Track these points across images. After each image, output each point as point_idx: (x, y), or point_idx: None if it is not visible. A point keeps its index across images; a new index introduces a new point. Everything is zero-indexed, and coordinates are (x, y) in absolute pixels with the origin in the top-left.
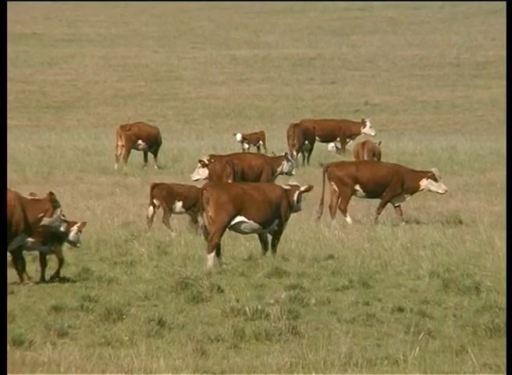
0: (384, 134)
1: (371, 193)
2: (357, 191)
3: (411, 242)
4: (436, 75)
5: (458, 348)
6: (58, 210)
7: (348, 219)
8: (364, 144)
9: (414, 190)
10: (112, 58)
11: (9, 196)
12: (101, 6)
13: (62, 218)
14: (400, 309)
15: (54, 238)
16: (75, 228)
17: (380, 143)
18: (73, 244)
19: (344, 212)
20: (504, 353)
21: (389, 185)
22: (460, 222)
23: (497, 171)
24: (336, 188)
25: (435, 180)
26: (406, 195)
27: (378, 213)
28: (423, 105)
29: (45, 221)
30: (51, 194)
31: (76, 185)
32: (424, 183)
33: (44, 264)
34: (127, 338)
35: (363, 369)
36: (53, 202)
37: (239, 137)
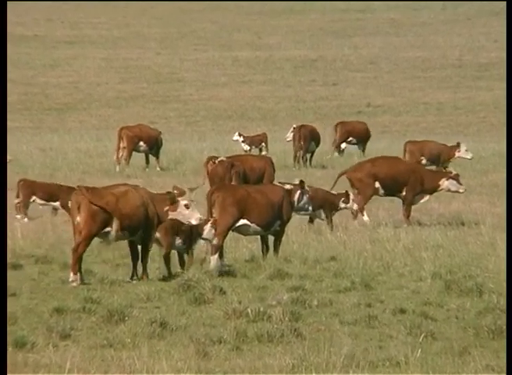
0: (386, 136)
1: (390, 190)
2: (377, 188)
3: (413, 244)
4: (438, 76)
5: (460, 350)
6: (182, 203)
7: (365, 218)
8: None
9: (434, 190)
10: (113, 60)
11: (141, 192)
12: (103, 7)
13: (199, 216)
14: (402, 311)
15: (189, 236)
16: (208, 225)
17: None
18: (208, 241)
19: (362, 210)
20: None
21: (408, 183)
22: (463, 223)
23: (499, 173)
24: (358, 191)
25: (458, 180)
26: (425, 195)
27: (407, 216)
28: (425, 106)
29: (171, 215)
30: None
31: None
32: (444, 183)
33: (183, 263)
34: (129, 340)
35: (365, 370)
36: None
37: (235, 136)
